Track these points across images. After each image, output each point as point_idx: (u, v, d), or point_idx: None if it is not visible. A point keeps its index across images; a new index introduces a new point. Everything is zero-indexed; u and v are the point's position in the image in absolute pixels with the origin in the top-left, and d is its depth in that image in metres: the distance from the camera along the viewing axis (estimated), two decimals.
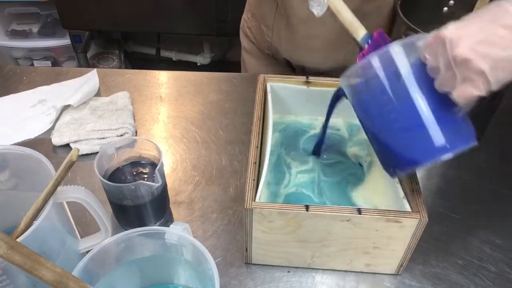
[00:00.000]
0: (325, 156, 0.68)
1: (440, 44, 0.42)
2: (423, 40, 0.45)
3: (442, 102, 0.44)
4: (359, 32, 0.54)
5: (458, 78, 0.41)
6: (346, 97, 0.54)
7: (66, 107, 0.81)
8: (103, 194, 0.60)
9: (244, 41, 1.02)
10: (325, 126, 0.64)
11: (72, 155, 0.46)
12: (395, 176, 0.53)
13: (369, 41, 0.53)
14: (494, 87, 0.40)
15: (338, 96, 0.60)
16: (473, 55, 0.39)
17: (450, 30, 0.41)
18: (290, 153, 0.68)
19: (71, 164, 0.46)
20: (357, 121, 0.54)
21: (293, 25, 0.86)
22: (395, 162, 0.49)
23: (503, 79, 0.40)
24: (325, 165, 0.66)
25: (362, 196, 0.62)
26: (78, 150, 0.47)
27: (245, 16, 1.00)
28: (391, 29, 0.85)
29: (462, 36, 0.40)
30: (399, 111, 0.46)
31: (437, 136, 0.45)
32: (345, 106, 0.58)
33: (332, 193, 0.62)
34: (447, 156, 0.46)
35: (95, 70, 0.91)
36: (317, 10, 0.52)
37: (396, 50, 0.46)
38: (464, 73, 0.40)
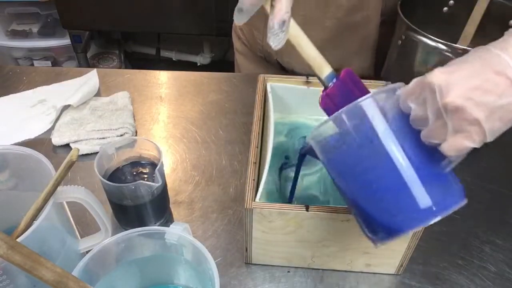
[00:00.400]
0: None
1: (427, 91, 0.37)
2: (402, 88, 0.40)
3: (427, 157, 0.39)
4: (323, 69, 0.49)
5: (449, 128, 0.36)
6: (315, 156, 0.47)
7: (66, 107, 0.81)
8: (103, 194, 0.60)
9: (236, 43, 1.01)
10: (295, 179, 0.61)
11: (72, 155, 0.46)
12: (378, 245, 0.43)
13: (334, 79, 0.48)
14: (490, 138, 0.36)
15: (305, 154, 0.55)
16: (466, 103, 0.35)
17: (438, 75, 0.36)
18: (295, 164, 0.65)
19: (71, 164, 0.46)
20: None
21: None
22: (377, 229, 0.42)
23: (499, 129, 0.36)
24: None
25: None
26: (78, 150, 0.47)
27: None
28: (382, 40, 0.84)
29: (452, 83, 0.36)
30: (377, 171, 0.40)
31: (423, 199, 0.38)
32: None
33: (336, 192, 0.62)
34: (436, 220, 0.39)
35: (95, 70, 0.91)
36: (275, 43, 0.46)
37: (368, 103, 0.40)
38: (456, 122, 0.36)
